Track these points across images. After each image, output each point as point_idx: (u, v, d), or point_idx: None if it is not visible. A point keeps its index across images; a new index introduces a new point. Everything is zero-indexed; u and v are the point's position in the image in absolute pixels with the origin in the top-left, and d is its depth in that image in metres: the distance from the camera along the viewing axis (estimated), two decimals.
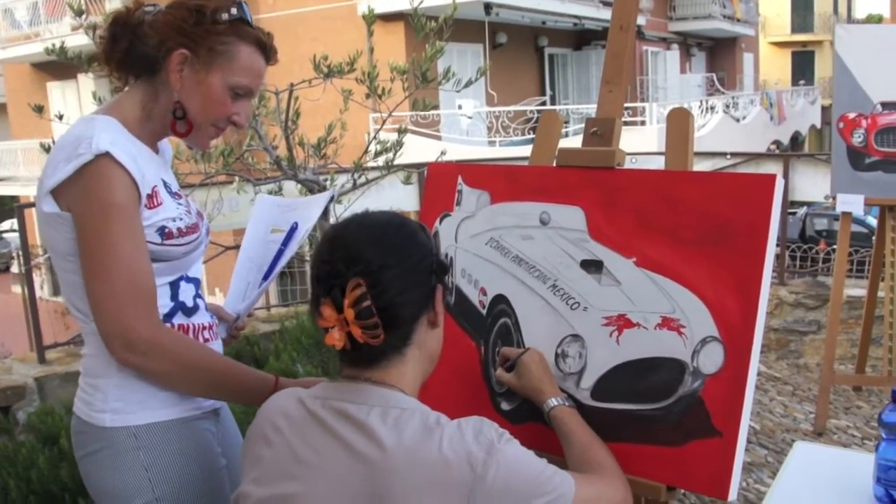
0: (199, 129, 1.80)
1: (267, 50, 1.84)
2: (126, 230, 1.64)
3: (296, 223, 2.13)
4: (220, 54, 1.75)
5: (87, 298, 1.67)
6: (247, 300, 2.11)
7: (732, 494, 1.72)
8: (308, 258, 4.96)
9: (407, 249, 1.50)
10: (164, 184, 1.79)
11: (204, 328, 1.87)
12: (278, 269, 2.11)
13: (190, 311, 1.83)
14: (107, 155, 1.62)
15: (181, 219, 1.77)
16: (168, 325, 1.77)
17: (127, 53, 1.76)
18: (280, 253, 2.12)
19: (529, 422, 1.97)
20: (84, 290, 1.67)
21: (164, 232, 1.72)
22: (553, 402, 1.82)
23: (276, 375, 1.85)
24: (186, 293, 1.83)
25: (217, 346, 1.92)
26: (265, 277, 2.10)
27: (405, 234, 1.53)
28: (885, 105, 4.65)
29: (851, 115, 4.70)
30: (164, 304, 1.77)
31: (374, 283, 1.43)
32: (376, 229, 1.51)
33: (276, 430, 1.50)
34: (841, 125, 4.73)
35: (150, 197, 1.70)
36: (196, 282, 1.87)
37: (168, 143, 1.94)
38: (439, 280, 1.55)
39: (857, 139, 4.68)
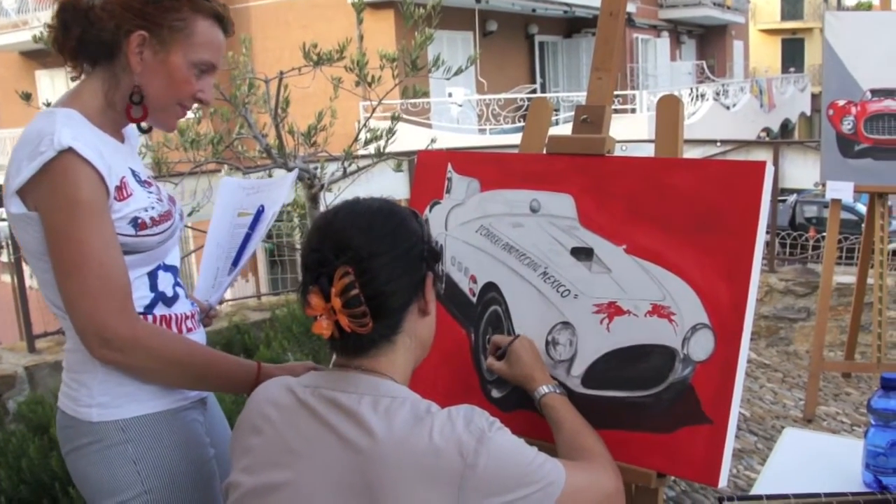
0: (165, 109, 1.76)
1: (224, 22, 1.79)
2: (95, 226, 1.60)
3: (262, 206, 2.11)
4: (179, 31, 1.70)
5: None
6: (217, 288, 2.08)
7: (723, 481, 1.73)
8: (299, 246, 4.95)
9: (397, 237, 1.48)
10: (133, 173, 1.75)
11: (186, 318, 1.84)
12: (248, 254, 2.08)
13: (170, 301, 1.80)
14: (70, 150, 1.57)
15: (153, 207, 1.73)
16: (150, 316, 1.75)
17: (81, 41, 1.71)
18: (248, 237, 2.09)
19: (520, 409, 1.97)
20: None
21: (137, 223, 1.69)
22: (544, 389, 1.81)
23: (259, 362, 1.83)
24: (165, 282, 1.80)
25: (199, 334, 1.89)
26: (234, 264, 2.08)
27: (396, 221, 1.51)
28: (874, 92, 4.65)
29: (841, 103, 4.70)
30: (144, 295, 1.74)
31: (363, 271, 1.42)
32: (366, 216, 1.49)
33: (265, 420, 1.49)
34: (830, 112, 4.73)
35: (119, 189, 1.66)
36: (174, 269, 1.84)
37: (134, 129, 1.89)
38: (430, 268, 1.54)
39: (846, 126, 4.69)
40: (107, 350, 1.63)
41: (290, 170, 4.59)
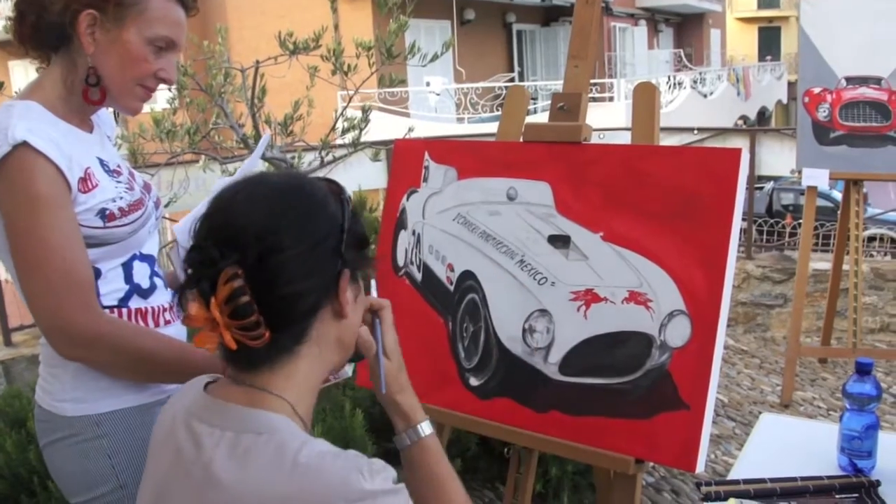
0: (125, 91, 1.69)
1: None
2: (55, 220, 1.56)
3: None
4: (130, 7, 1.62)
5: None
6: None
7: (700, 466, 1.74)
8: None
9: (305, 226, 1.20)
10: (101, 162, 1.70)
11: (164, 310, 1.80)
12: None
13: (146, 293, 1.77)
14: (24, 145, 1.52)
15: (121, 198, 1.68)
16: (125, 310, 1.72)
17: (37, 28, 1.64)
18: None
19: (498, 397, 1.97)
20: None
21: (105, 214, 1.64)
22: (429, 426, 1.48)
23: None
24: (141, 273, 1.76)
25: (178, 327, 1.84)
26: None
27: (306, 206, 1.22)
28: (849, 80, 4.68)
29: (816, 90, 4.72)
30: (118, 288, 1.71)
31: (257, 271, 1.15)
32: (267, 201, 1.21)
33: (153, 447, 1.33)
34: (806, 100, 4.75)
35: (83, 180, 1.61)
36: (151, 259, 1.80)
37: (108, 115, 1.85)
38: (347, 263, 1.24)
39: (822, 114, 4.71)
40: (72, 347, 1.61)
41: (266, 160, 4.57)
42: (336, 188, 1.28)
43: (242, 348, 1.16)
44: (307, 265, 1.19)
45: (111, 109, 1.85)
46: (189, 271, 1.18)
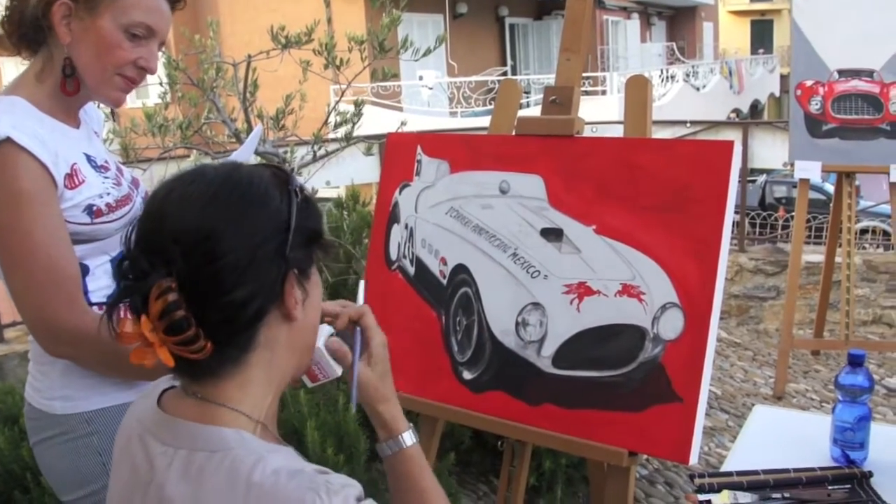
0: (103, 80, 1.66)
1: None
2: (39, 217, 1.54)
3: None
4: None
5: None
6: None
7: (693, 458, 1.74)
8: None
9: (242, 228, 1.08)
10: (88, 158, 1.69)
11: None
12: None
13: None
14: (7, 141, 1.51)
15: (108, 193, 1.67)
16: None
17: (20, 24, 1.63)
18: None
19: (491, 391, 1.97)
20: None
21: (92, 210, 1.63)
22: (412, 436, 1.41)
23: None
24: None
25: None
26: None
27: (244, 204, 1.10)
28: (841, 72, 4.68)
29: (809, 83, 4.73)
30: (106, 285, 1.68)
31: (192, 282, 1.05)
32: (200, 202, 1.08)
33: (114, 461, 1.26)
34: (798, 93, 4.76)
35: (69, 176, 1.60)
36: None
37: (95, 110, 1.83)
38: (292, 263, 1.13)
39: (814, 106, 4.72)
40: (56, 344, 1.60)
41: (259, 154, 4.56)
42: (283, 177, 1.15)
43: (185, 361, 1.07)
44: (247, 271, 1.07)
45: (98, 104, 1.83)
46: (120, 285, 1.08)
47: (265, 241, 1.09)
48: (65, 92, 1.65)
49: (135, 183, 1.81)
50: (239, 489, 1.04)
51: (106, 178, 1.71)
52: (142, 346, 1.05)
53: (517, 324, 1.95)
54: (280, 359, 1.17)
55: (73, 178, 1.61)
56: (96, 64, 1.63)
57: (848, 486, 1.94)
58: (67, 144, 1.64)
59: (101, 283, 1.69)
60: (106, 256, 1.70)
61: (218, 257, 1.05)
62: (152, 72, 1.72)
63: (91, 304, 1.66)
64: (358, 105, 4.83)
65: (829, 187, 8.95)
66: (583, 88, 2.14)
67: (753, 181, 14.17)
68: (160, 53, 1.78)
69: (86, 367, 1.66)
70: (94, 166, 1.70)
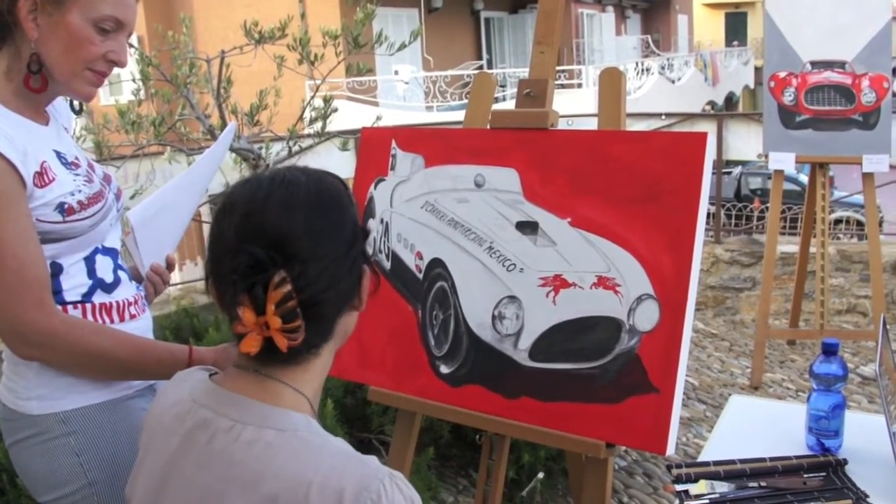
0: (73, 75, 1.63)
1: None
2: (6, 218, 1.52)
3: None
4: None
5: None
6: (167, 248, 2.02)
7: (670, 449, 1.75)
8: None
9: (339, 231, 1.24)
10: (58, 155, 1.66)
11: (129, 304, 1.77)
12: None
13: (110, 287, 1.73)
14: None
15: (80, 191, 1.64)
16: (89, 305, 1.68)
17: None
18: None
19: (468, 384, 1.97)
20: None
21: (63, 208, 1.60)
22: None
23: (191, 346, 1.76)
24: (104, 267, 1.72)
25: (145, 320, 1.82)
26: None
27: (339, 211, 1.25)
28: (814, 64, 4.72)
29: (782, 75, 4.76)
30: (81, 283, 1.67)
31: (299, 276, 1.17)
32: (305, 207, 1.22)
33: (152, 438, 1.32)
34: (772, 84, 4.79)
35: (38, 175, 1.57)
36: (113, 252, 1.76)
37: (64, 106, 1.80)
38: (367, 260, 1.30)
39: (787, 98, 4.75)
40: (24, 346, 1.58)
41: (233, 150, 4.54)
42: (346, 185, 1.31)
43: (275, 347, 1.16)
44: (341, 269, 1.22)
45: (68, 99, 1.81)
46: (235, 276, 1.16)
47: (353, 242, 1.25)
48: (29, 88, 1.62)
49: (107, 179, 1.78)
50: (310, 465, 1.14)
51: (77, 175, 1.68)
52: (255, 333, 1.15)
53: (493, 317, 1.95)
54: (338, 344, 1.31)
55: (42, 177, 1.59)
56: (66, 59, 1.61)
57: (823, 473, 1.95)
58: (36, 142, 1.61)
59: (75, 282, 1.66)
60: (79, 254, 1.68)
61: (322, 256, 1.20)
62: (123, 65, 1.70)
63: (65, 303, 1.64)
64: (327, 101, 4.80)
65: (804, 178, 9.01)
66: (559, 82, 2.15)
67: (729, 173, 14.25)
68: (132, 50, 1.75)
69: (56, 368, 1.64)
70: (65, 163, 1.67)
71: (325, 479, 1.12)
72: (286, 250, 1.17)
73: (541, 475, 3.38)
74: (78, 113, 1.81)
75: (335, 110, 4.91)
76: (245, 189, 1.25)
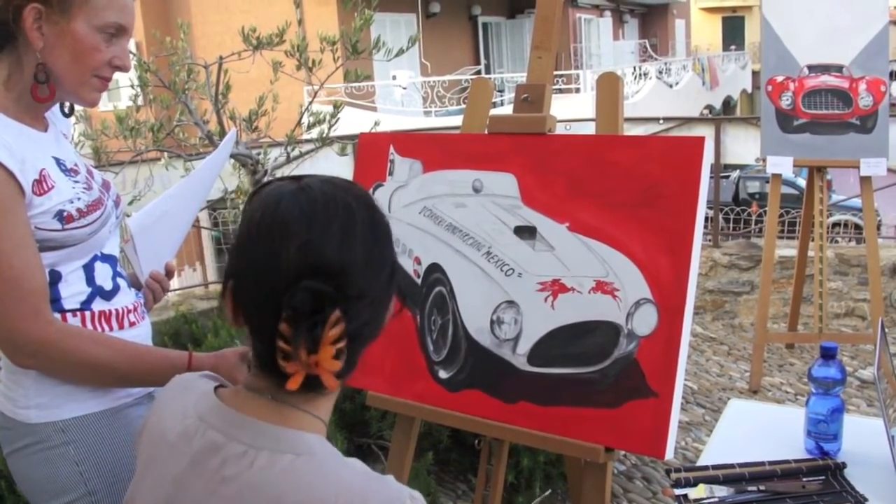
0: (81, 83, 1.63)
1: None
2: (3, 227, 1.51)
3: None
4: None
5: None
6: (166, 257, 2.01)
7: (669, 453, 1.75)
8: None
9: (385, 264, 1.18)
10: (57, 161, 1.65)
11: (129, 311, 1.76)
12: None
13: (110, 294, 1.72)
14: None
15: (79, 198, 1.64)
16: (88, 312, 1.68)
17: None
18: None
19: (467, 389, 1.97)
20: None
21: (63, 216, 1.60)
22: None
23: (190, 353, 1.75)
24: (103, 274, 1.72)
25: (144, 327, 1.81)
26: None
27: (386, 240, 1.19)
28: (811, 68, 4.72)
29: (779, 79, 4.76)
30: (80, 291, 1.67)
31: (349, 310, 1.10)
32: (362, 236, 1.14)
33: (154, 450, 1.27)
34: (769, 88, 4.79)
35: (37, 183, 1.57)
36: (112, 259, 1.76)
37: (55, 109, 1.78)
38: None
39: (785, 102, 4.75)
40: (19, 356, 1.58)
41: (232, 156, 4.54)
42: (379, 207, 1.23)
43: (307, 381, 1.10)
44: (384, 302, 1.18)
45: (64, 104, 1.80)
46: (291, 312, 1.07)
47: (392, 272, 1.20)
48: (37, 99, 1.62)
49: (105, 186, 1.78)
50: (329, 488, 1.09)
51: (76, 182, 1.67)
52: (303, 369, 1.07)
53: (492, 322, 1.95)
54: None
55: (41, 184, 1.58)
56: (75, 68, 1.61)
57: (822, 477, 1.96)
58: (35, 149, 1.61)
59: (74, 290, 1.66)
60: (78, 262, 1.67)
61: (371, 290, 1.14)
62: (126, 69, 1.71)
63: (64, 311, 1.64)
64: (337, 107, 4.82)
65: (802, 182, 9.01)
66: (556, 86, 2.15)
67: (727, 177, 14.25)
68: (130, 56, 1.75)
69: (53, 376, 1.63)
70: (64, 170, 1.66)
71: (347, 502, 1.08)
72: (343, 286, 1.10)
73: (547, 492, 3.38)
74: (68, 116, 1.81)
75: (339, 119, 4.92)
76: (297, 208, 1.13)
